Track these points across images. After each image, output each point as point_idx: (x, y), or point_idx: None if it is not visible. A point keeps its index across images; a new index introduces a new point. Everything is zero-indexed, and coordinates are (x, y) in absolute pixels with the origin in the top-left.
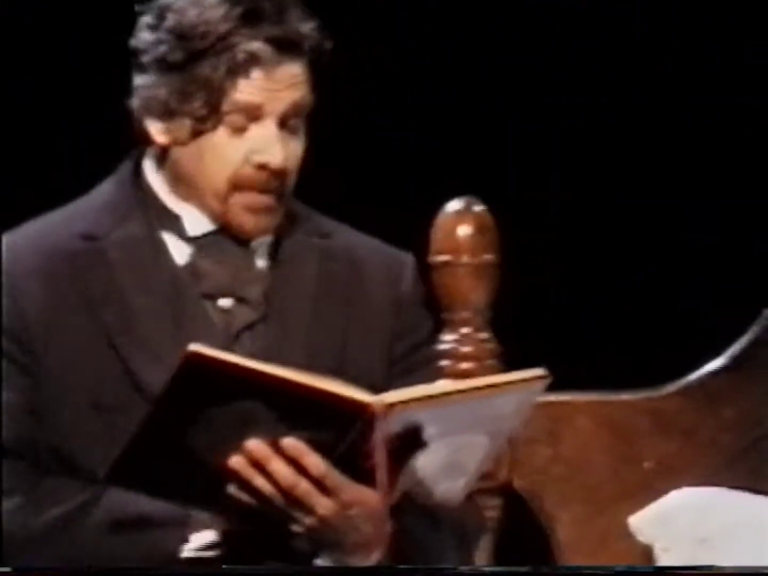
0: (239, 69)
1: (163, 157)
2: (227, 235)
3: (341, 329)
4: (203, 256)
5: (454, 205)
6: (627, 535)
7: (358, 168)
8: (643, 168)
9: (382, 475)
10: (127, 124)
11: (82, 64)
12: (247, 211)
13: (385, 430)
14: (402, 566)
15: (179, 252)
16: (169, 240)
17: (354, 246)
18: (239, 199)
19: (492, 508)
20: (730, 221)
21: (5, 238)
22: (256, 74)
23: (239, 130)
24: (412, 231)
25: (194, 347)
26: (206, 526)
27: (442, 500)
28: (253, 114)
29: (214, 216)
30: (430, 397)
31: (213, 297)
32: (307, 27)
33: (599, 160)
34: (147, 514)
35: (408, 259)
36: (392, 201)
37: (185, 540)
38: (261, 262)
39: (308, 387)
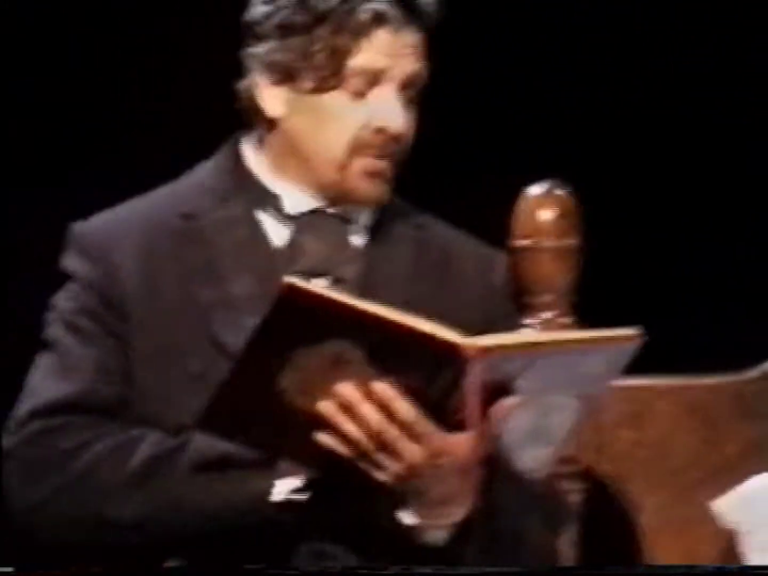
0: (364, 29)
1: (268, 134)
2: (327, 214)
3: (433, 315)
4: (300, 235)
5: (535, 189)
6: (711, 519)
7: (442, 151)
8: (732, 151)
9: (473, 420)
10: (229, 108)
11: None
12: (365, 176)
13: (477, 375)
14: (400, 566)
15: (277, 232)
16: (267, 220)
17: (448, 239)
18: (357, 164)
19: (575, 492)
20: None
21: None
22: (381, 35)
23: (359, 95)
24: (495, 215)
25: (290, 280)
26: (291, 472)
27: (528, 469)
28: (374, 79)
29: (329, 186)
30: (525, 343)
31: (309, 276)
32: None
33: (686, 143)
34: (234, 455)
35: (500, 255)
36: (475, 185)
37: (271, 481)
38: (358, 243)
39: (402, 325)
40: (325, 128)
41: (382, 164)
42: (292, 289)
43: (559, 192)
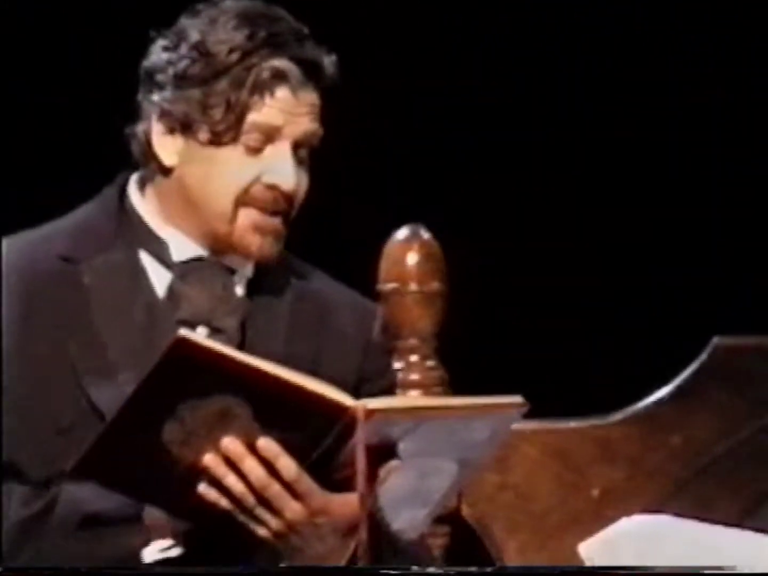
0: (265, 86)
1: (159, 180)
2: (211, 262)
3: (310, 368)
4: (184, 283)
5: (402, 233)
6: (575, 562)
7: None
8: (589, 197)
9: (361, 481)
10: (117, 149)
11: (80, 88)
12: (254, 230)
13: (363, 437)
14: (399, 566)
15: (160, 278)
16: (151, 266)
17: (327, 290)
18: (246, 218)
19: (440, 536)
20: (676, 251)
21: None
22: (281, 94)
23: (254, 150)
24: (362, 260)
25: (183, 333)
26: (164, 530)
27: (402, 530)
28: (271, 135)
29: (217, 237)
30: (411, 408)
31: (190, 325)
32: (327, 57)
33: (546, 188)
34: (103, 512)
35: (378, 308)
36: (343, 228)
37: (143, 536)
38: (240, 293)
39: (292, 384)
40: (216, 180)
41: (272, 221)
42: (183, 341)
43: (425, 236)
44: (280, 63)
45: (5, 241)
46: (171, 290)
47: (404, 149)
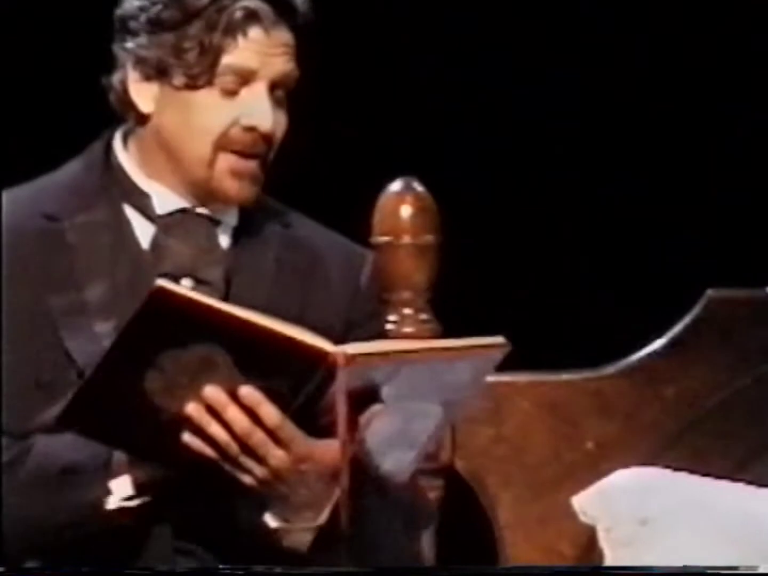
0: (237, 27)
1: (139, 129)
2: (194, 214)
3: (297, 316)
4: (168, 236)
5: (395, 186)
6: (569, 515)
7: (304, 146)
8: (585, 148)
9: (342, 426)
10: (101, 103)
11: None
12: (232, 175)
13: (344, 382)
14: (401, 567)
15: (144, 232)
16: (135, 220)
17: (315, 237)
18: (224, 162)
19: (435, 489)
20: (672, 202)
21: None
22: (254, 34)
23: (230, 93)
24: (356, 212)
25: (161, 282)
26: (123, 471)
27: (391, 473)
28: (246, 77)
29: (196, 183)
30: (392, 351)
31: (174, 277)
32: None
33: (539, 139)
34: (70, 464)
35: (367, 253)
36: (336, 181)
37: (105, 488)
38: (224, 243)
39: (271, 331)
40: (193, 124)
41: (249, 164)
42: (162, 291)
43: (417, 189)
44: (252, 3)
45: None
46: (155, 243)
47: (399, 101)
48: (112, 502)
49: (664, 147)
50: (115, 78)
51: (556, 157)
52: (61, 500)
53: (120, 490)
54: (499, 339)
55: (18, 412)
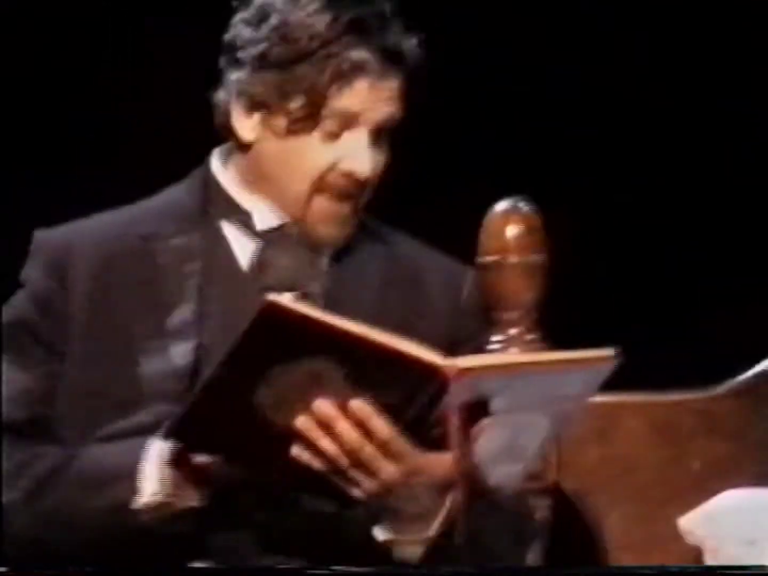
0: (344, 76)
1: (240, 152)
2: (294, 230)
3: (400, 332)
4: (268, 251)
5: (502, 206)
6: (676, 536)
7: (410, 168)
8: (690, 172)
9: (455, 439)
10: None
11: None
12: (325, 218)
13: (456, 395)
14: (403, 567)
15: (244, 248)
16: (233, 236)
17: (416, 255)
18: (319, 205)
19: (542, 509)
20: None
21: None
22: (360, 84)
23: (332, 136)
24: (463, 231)
25: (272, 297)
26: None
27: (500, 485)
28: (348, 122)
29: (290, 216)
30: (503, 364)
31: (275, 291)
32: (410, 41)
33: (649, 161)
34: (114, 467)
35: (468, 271)
36: (444, 201)
37: (135, 488)
38: (325, 261)
39: (382, 345)
40: (293, 165)
41: (342, 207)
42: (273, 306)
43: (524, 208)
44: (360, 54)
45: (77, 222)
46: (256, 258)
47: (507, 120)
48: (139, 501)
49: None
50: (220, 98)
51: (668, 174)
52: (101, 502)
53: (149, 488)
54: (608, 351)
55: (81, 423)
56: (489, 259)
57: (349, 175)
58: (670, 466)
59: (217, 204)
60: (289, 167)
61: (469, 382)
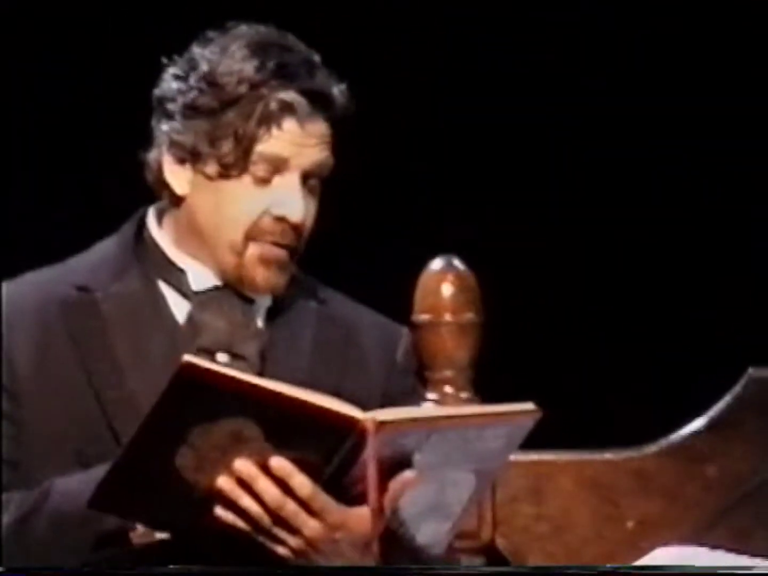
0: (272, 118)
1: (173, 209)
2: (230, 291)
3: (334, 390)
4: (203, 311)
5: (435, 264)
6: None
7: (344, 225)
8: (625, 224)
9: (373, 494)
10: (137, 180)
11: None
12: (261, 263)
13: (375, 449)
14: (400, 566)
15: (179, 307)
16: (170, 295)
17: (350, 314)
18: (254, 251)
19: None
20: (712, 280)
21: (5, 286)
22: (288, 125)
23: (262, 181)
24: (397, 291)
25: (188, 358)
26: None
27: (427, 544)
28: (279, 167)
29: (226, 269)
30: (422, 418)
31: (210, 352)
32: (337, 87)
33: (582, 219)
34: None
35: (403, 330)
36: (378, 259)
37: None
38: (260, 322)
39: (300, 401)
40: (225, 213)
41: (278, 252)
42: (190, 366)
43: (458, 267)
44: (288, 95)
45: (13, 280)
46: (190, 319)
47: (438, 178)
48: (136, 537)
49: (700, 222)
50: (151, 156)
51: (598, 235)
52: (85, 536)
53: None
54: (529, 405)
55: (49, 476)
56: (424, 317)
57: (282, 220)
58: (603, 525)
59: (152, 261)
60: (222, 216)
61: (388, 435)
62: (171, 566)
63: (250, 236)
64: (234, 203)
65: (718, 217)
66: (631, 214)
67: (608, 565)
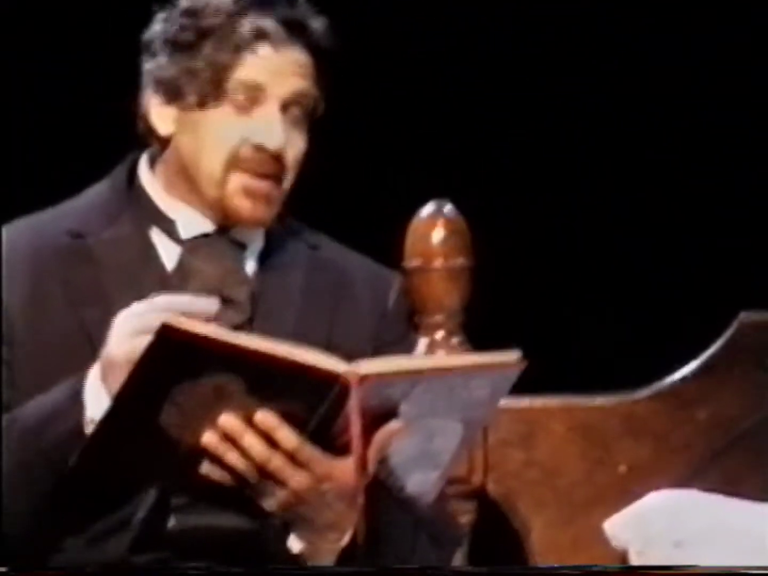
0: (246, 44)
1: (161, 153)
2: (220, 237)
3: (325, 336)
4: (193, 258)
5: (427, 210)
6: (601, 538)
7: (335, 170)
8: (613, 172)
9: (357, 446)
10: (129, 127)
11: (87, 66)
12: (245, 194)
13: (358, 401)
14: (398, 566)
15: (169, 253)
16: (160, 241)
17: (342, 259)
18: (236, 182)
19: (466, 513)
20: (702, 224)
21: (5, 230)
22: (263, 51)
23: (241, 111)
24: (388, 235)
25: (167, 319)
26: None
27: (416, 493)
28: (257, 95)
29: (211, 205)
30: (406, 370)
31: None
32: (316, 18)
33: (573, 164)
34: (43, 407)
35: (394, 276)
36: (368, 205)
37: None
38: (250, 267)
39: (281, 357)
40: (205, 142)
41: (262, 184)
42: (170, 328)
43: (448, 213)
44: (263, 22)
45: (10, 225)
46: (181, 265)
47: (431, 124)
48: (89, 421)
49: (697, 169)
50: (139, 102)
51: (589, 178)
52: (44, 441)
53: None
54: (513, 354)
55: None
56: (414, 263)
57: (260, 149)
58: (594, 470)
59: (142, 209)
60: (203, 146)
61: (372, 387)
62: (171, 566)
63: (231, 165)
64: (212, 133)
65: (707, 162)
66: (624, 168)
67: (607, 565)
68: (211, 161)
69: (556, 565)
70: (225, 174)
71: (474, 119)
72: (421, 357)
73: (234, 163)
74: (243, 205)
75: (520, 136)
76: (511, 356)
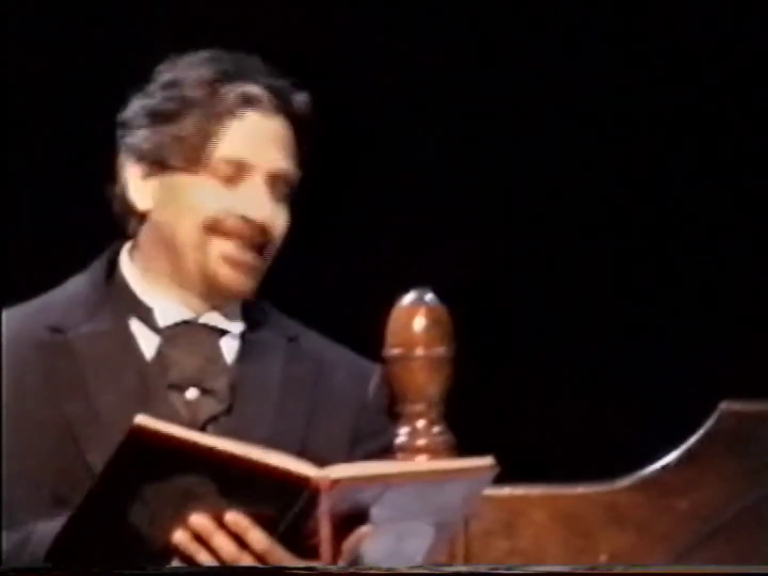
0: (234, 109)
1: (140, 236)
2: (198, 325)
3: (304, 427)
4: (172, 347)
5: (408, 298)
6: None
7: (315, 258)
8: (595, 260)
9: (326, 550)
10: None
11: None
12: (226, 262)
13: (329, 506)
14: (395, 566)
15: (148, 343)
16: (139, 331)
17: (321, 350)
18: (217, 248)
19: None
20: (682, 313)
21: None
22: (250, 117)
23: (227, 182)
24: (370, 324)
25: (139, 420)
26: None
27: None
28: (242, 168)
29: (190, 270)
30: (376, 475)
31: (180, 388)
32: (298, 92)
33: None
34: None
35: (375, 367)
36: (351, 293)
37: None
38: (229, 354)
39: (251, 461)
40: (184, 208)
41: (244, 255)
42: (141, 428)
43: (430, 302)
44: (250, 88)
45: (5, 313)
46: (159, 355)
47: (411, 214)
48: None
49: (681, 255)
50: (117, 186)
51: (572, 267)
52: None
53: None
54: (487, 460)
55: (26, 519)
56: (395, 351)
57: (245, 220)
58: (576, 558)
59: (121, 300)
60: (182, 212)
61: (342, 491)
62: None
63: (210, 230)
64: (194, 197)
65: (689, 254)
66: (599, 247)
67: (607, 565)
68: (189, 224)
69: (556, 565)
70: (204, 237)
71: (455, 205)
72: (393, 462)
73: (213, 227)
74: (224, 273)
75: (499, 224)
76: (484, 461)
